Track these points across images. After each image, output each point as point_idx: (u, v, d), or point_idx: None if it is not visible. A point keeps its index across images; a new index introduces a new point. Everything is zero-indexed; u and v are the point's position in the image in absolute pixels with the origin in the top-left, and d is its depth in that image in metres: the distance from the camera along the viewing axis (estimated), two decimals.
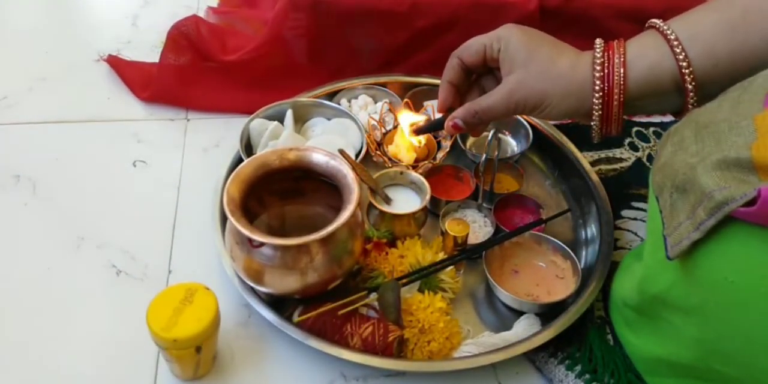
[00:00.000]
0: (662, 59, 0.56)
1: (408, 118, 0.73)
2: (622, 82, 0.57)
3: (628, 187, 0.80)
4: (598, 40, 0.59)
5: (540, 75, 0.59)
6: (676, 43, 0.55)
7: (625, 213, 0.78)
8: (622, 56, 0.57)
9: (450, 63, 0.65)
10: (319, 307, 0.63)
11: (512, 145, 0.85)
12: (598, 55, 0.58)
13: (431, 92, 0.88)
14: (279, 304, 0.66)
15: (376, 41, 0.90)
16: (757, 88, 0.48)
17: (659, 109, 0.61)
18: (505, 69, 0.61)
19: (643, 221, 0.77)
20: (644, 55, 0.57)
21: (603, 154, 0.84)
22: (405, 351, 0.64)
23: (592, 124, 0.60)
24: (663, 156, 0.53)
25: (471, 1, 0.88)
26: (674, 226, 0.49)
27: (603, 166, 0.83)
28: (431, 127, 0.69)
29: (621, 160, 0.84)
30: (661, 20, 0.57)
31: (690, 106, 0.57)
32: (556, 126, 0.84)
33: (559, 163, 0.83)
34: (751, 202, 0.42)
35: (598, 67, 0.57)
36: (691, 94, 0.56)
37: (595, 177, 0.78)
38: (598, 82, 0.57)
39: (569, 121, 0.89)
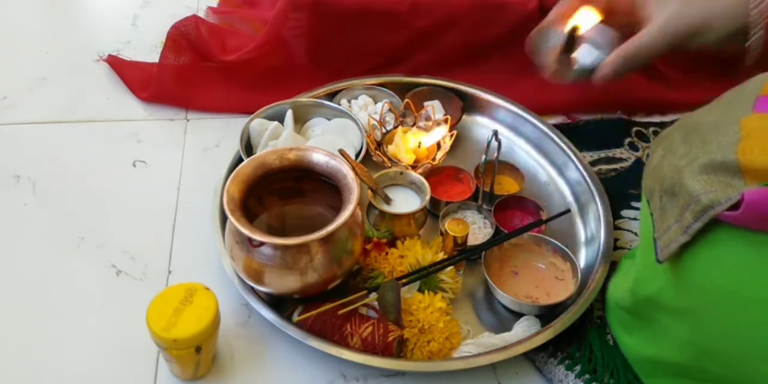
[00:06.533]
0: None
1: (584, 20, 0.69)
2: None
3: (627, 187, 0.80)
4: None
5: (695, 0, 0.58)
6: None
7: (625, 213, 0.78)
8: None
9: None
10: (319, 307, 0.63)
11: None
12: None
13: (431, 92, 0.88)
14: (279, 304, 0.66)
15: (376, 41, 0.90)
16: (747, 95, 0.49)
17: None
18: (646, 9, 0.61)
19: None
20: None
21: (603, 154, 0.84)
22: (405, 351, 0.64)
23: (751, 32, 0.57)
24: (653, 160, 0.54)
25: (471, 1, 0.88)
26: (664, 229, 0.49)
27: (603, 166, 0.83)
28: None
29: (621, 160, 0.84)
30: None
31: None
32: (556, 126, 0.84)
33: (559, 164, 0.83)
34: (735, 206, 0.43)
35: None
36: None
37: (595, 177, 0.78)
38: None
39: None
